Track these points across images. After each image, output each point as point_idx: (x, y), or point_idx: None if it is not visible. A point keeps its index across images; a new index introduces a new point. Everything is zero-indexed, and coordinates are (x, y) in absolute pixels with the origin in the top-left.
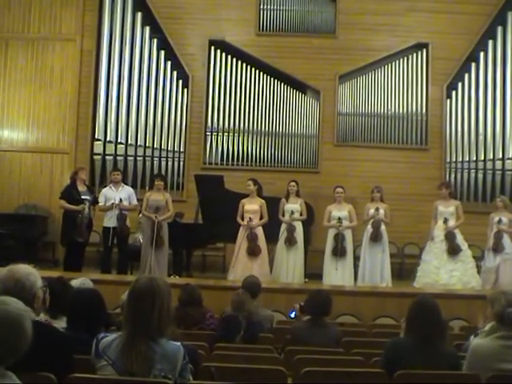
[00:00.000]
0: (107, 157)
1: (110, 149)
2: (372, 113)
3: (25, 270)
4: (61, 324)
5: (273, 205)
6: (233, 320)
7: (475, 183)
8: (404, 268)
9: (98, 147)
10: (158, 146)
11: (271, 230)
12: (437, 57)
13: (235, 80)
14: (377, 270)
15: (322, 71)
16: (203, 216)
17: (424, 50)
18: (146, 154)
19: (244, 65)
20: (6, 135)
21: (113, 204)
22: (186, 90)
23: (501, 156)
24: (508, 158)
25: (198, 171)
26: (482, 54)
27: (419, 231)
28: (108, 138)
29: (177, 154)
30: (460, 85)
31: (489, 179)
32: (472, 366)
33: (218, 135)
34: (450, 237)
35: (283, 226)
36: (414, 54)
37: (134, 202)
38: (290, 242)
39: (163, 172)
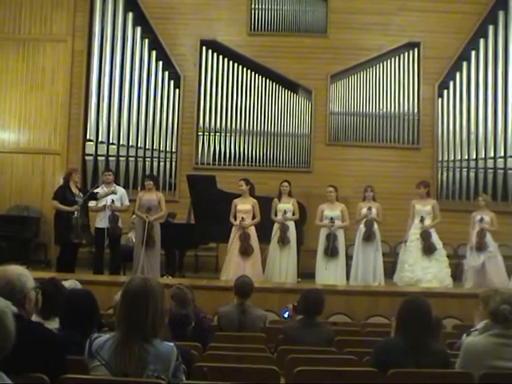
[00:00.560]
0: (99, 157)
1: (102, 149)
2: (364, 112)
3: (16, 270)
4: (53, 325)
5: (265, 204)
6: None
7: (467, 182)
8: (396, 267)
9: (90, 148)
10: (150, 147)
11: (264, 229)
12: (428, 56)
13: (227, 80)
14: (369, 269)
15: (314, 71)
16: (196, 216)
17: (415, 49)
18: (138, 155)
19: (236, 65)
20: None
21: (105, 205)
22: (177, 90)
23: (492, 155)
24: (500, 157)
25: (190, 171)
26: (473, 53)
27: None
28: (100, 139)
29: (169, 155)
30: (452, 84)
31: (481, 178)
32: (465, 364)
33: (209, 135)
34: (425, 236)
35: (276, 226)
36: (406, 54)
37: (126, 202)
38: (283, 241)
39: (155, 172)
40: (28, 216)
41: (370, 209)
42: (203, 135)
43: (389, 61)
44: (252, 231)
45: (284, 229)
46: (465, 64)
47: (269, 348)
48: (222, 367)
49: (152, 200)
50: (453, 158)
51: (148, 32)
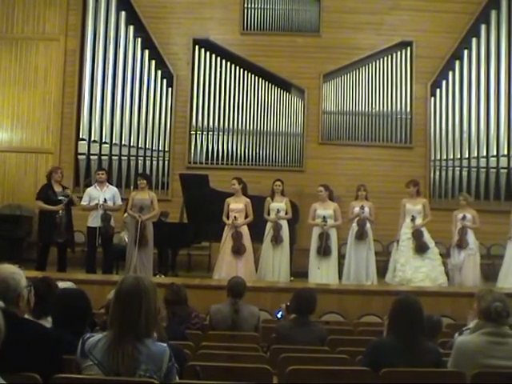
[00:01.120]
0: (92, 156)
1: (95, 148)
2: (356, 111)
3: (9, 269)
4: (45, 324)
5: (258, 204)
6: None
7: (460, 181)
8: (388, 266)
9: (83, 147)
10: (143, 146)
11: (256, 229)
12: (421, 55)
13: (220, 79)
14: (362, 268)
15: (307, 70)
16: (188, 215)
17: (408, 49)
18: (131, 154)
19: (228, 64)
20: None
21: (97, 204)
22: (170, 89)
23: (485, 154)
24: (492, 156)
25: (182, 170)
26: (465, 52)
27: None
28: (92, 138)
29: (161, 154)
30: (444, 83)
31: (473, 177)
32: (457, 363)
33: (202, 134)
34: (417, 235)
35: (269, 225)
36: (398, 53)
37: (119, 201)
38: (277, 240)
39: (148, 171)
40: (20, 215)
41: (362, 208)
42: (196, 134)
43: (381, 60)
44: (244, 230)
45: (277, 228)
46: (457, 63)
47: (261, 347)
48: (214, 366)
49: (144, 199)
50: (445, 157)
51: (141, 31)
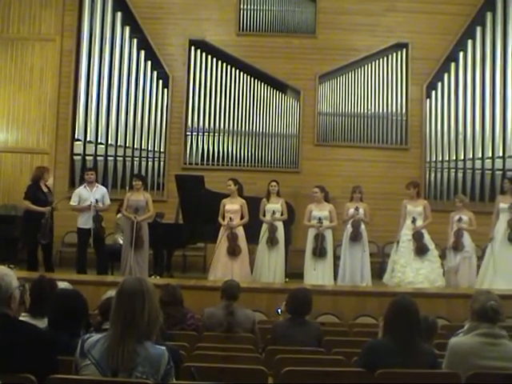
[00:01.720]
0: (87, 157)
1: (90, 149)
2: (352, 112)
3: (0, 271)
4: (41, 324)
5: (254, 205)
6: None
7: (455, 182)
8: (384, 267)
9: (78, 147)
10: (139, 146)
11: (252, 229)
12: (416, 57)
13: (215, 80)
14: (357, 269)
15: (302, 71)
16: (184, 216)
17: (404, 50)
18: (127, 155)
19: (224, 65)
20: None
21: (90, 205)
22: (166, 90)
23: (480, 155)
24: (487, 158)
25: (178, 171)
26: (461, 54)
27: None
28: (88, 138)
29: (157, 154)
30: (440, 84)
31: (468, 178)
32: (451, 365)
33: (198, 135)
34: (417, 236)
35: (264, 227)
36: (394, 54)
37: (108, 201)
38: (272, 242)
39: (143, 172)
40: (16, 215)
41: (357, 209)
42: (191, 135)
43: (377, 61)
44: (240, 231)
45: (272, 229)
46: (453, 65)
47: (257, 348)
48: (210, 367)
49: (139, 200)
50: (441, 159)
51: (137, 32)
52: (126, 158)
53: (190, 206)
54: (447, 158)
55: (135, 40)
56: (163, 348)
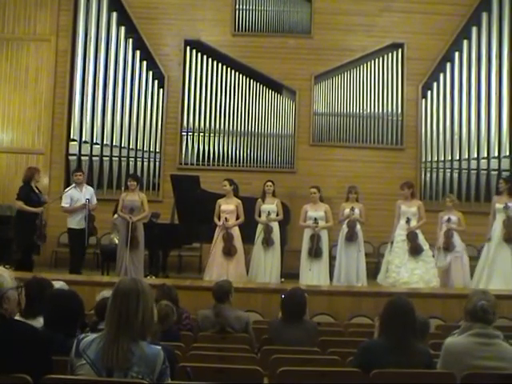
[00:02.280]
0: (83, 157)
1: (86, 149)
2: (348, 113)
3: None
4: (36, 324)
5: (249, 205)
6: None
7: (450, 183)
8: (380, 267)
9: (74, 147)
10: (134, 147)
11: (247, 230)
12: (412, 57)
13: (211, 80)
14: (352, 269)
15: (298, 71)
16: (179, 216)
17: (399, 50)
18: (122, 155)
19: (220, 65)
20: None
21: (85, 204)
22: (161, 90)
23: (476, 156)
24: (483, 158)
25: (174, 171)
26: (456, 54)
27: None
28: (83, 139)
29: (152, 155)
30: (435, 85)
31: (464, 178)
32: (446, 365)
33: (193, 135)
34: (411, 237)
35: (260, 227)
36: (390, 54)
37: (95, 201)
38: (268, 242)
39: (139, 172)
40: (11, 216)
41: (352, 209)
42: (187, 135)
43: (373, 62)
44: (235, 231)
45: (268, 230)
46: (448, 65)
47: (252, 348)
48: (205, 367)
49: (135, 201)
50: (436, 159)
51: (132, 32)
52: (122, 158)
53: (186, 206)
54: (443, 159)
55: (130, 40)
56: (158, 348)
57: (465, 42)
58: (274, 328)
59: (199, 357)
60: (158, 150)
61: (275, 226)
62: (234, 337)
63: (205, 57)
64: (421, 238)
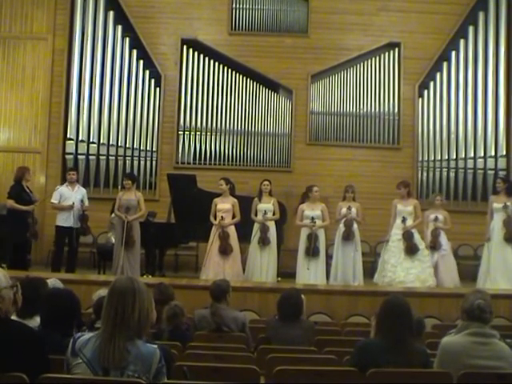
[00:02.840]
0: (79, 156)
1: (83, 148)
2: (344, 112)
3: None
4: (33, 323)
5: (246, 204)
6: None
7: (447, 182)
8: (376, 267)
9: (70, 146)
10: (131, 146)
11: (244, 229)
12: (409, 56)
13: (208, 79)
14: (349, 268)
15: (295, 70)
16: (176, 215)
17: (396, 50)
18: (119, 154)
19: (216, 64)
20: None
21: (72, 205)
22: (158, 89)
23: (472, 155)
24: (479, 157)
25: (170, 170)
26: (453, 54)
27: None
28: (80, 138)
29: (149, 154)
30: (432, 84)
31: (460, 178)
32: (443, 364)
33: (190, 134)
34: (407, 236)
35: (256, 226)
36: (386, 54)
37: (87, 203)
38: (264, 242)
39: (135, 171)
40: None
41: (349, 208)
42: (184, 134)
43: (369, 61)
44: (231, 230)
45: (264, 229)
46: (445, 64)
47: (248, 348)
48: (201, 366)
49: (131, 200)
50: (433, 158)
51: (129, 31)
52: (118, 157)
53: (182, 205)
54: (439, 158)
55: (127, 39)
56: (155, 346)
57: (461, 42)
58: (271, 327)
59: (196, 356)
60: (154, 149)
61: (271, 226)
62: (230, 336)
63: (201, 56)
64: (416, 238)
